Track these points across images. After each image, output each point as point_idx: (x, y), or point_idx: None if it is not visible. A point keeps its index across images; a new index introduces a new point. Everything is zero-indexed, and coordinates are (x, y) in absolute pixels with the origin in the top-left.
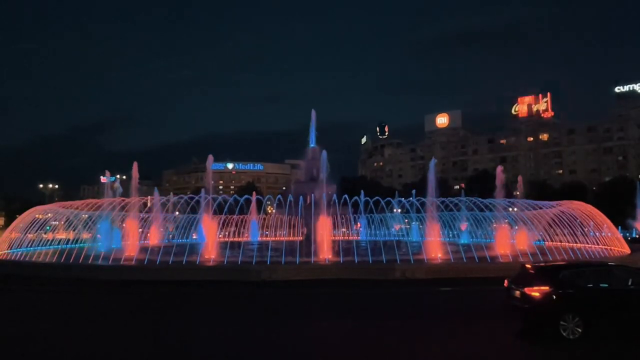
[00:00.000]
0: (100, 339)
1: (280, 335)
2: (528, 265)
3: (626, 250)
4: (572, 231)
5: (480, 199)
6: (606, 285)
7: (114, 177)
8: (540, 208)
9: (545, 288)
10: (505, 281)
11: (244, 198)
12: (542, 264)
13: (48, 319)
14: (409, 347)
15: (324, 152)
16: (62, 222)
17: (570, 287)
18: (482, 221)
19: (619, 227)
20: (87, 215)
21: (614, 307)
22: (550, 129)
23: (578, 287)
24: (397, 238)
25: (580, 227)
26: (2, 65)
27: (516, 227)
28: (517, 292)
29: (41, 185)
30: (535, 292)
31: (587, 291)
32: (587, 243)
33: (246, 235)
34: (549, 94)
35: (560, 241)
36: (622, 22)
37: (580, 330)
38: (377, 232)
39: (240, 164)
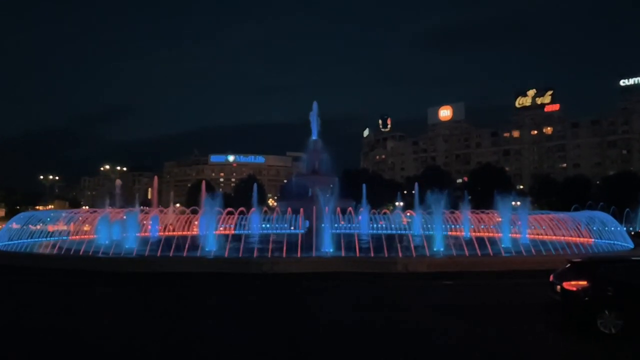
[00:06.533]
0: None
1: (279, 330)
2: (571, 260)
3: (629, 244)
4: (576, 226)
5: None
6: None
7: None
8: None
9: (584, 283)
10: (551, 276)
11: (239, 211)
12: (581, 259)
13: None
14: (414, 340)
15: (326, 145)
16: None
17: (609, 282)
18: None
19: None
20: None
21: None
22: (554, 122)
23: (617, 282)
24: (399, 231)
25: (587, 224)
26: (3, 56)
27: (519, 223)
28: (558, 287)
29: (42, 177)
30: (574, 286)
31: (626, 286)
32: (591, 237)
33: (247, 228)
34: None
35: (563, 235)
36: (627, 15)
37: (618, 325)
38: (379, 225)
39: (242, 156)
